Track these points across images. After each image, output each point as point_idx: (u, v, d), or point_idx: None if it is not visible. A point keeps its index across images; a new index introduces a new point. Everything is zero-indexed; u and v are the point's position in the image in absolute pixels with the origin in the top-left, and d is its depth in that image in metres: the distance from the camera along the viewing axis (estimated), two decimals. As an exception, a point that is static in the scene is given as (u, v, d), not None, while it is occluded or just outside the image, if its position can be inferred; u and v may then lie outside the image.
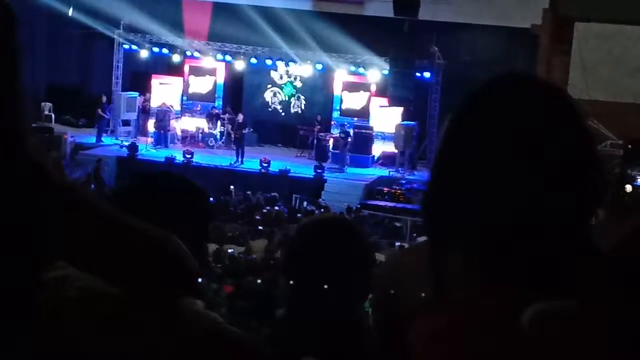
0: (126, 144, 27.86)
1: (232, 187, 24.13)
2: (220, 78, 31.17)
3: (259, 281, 13.56)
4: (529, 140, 1.42)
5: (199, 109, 30.68)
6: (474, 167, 1.44)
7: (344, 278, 2.59)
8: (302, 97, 30.76)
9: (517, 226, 1.40)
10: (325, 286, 2.58)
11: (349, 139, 27.44)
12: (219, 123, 29.46)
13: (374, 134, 28.19)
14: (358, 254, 2.66)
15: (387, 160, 27.89)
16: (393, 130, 27.45)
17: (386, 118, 28.32)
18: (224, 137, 29.21)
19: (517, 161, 1.41)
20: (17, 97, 1.62)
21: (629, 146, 20.11)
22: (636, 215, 1.45)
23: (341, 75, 29.54)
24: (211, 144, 29.14)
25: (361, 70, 28.98)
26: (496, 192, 1.41)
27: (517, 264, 1.40)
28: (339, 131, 28.04)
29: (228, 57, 30.16)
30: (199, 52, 30.31)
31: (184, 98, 31.02)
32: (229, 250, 16.36)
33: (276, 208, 22.43)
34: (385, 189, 25.22)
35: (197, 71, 31.07)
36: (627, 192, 18.07)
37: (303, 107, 30.71)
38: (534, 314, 1.36)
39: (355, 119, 29.26)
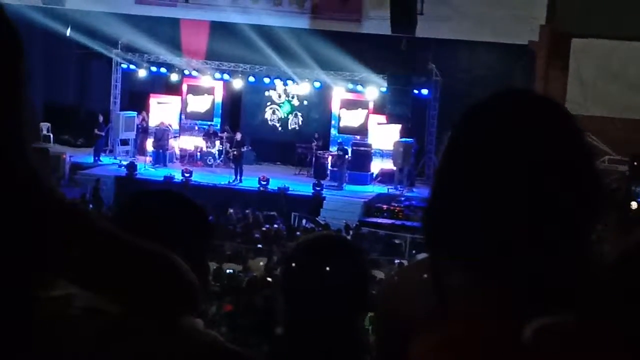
0: (125, 163, 27.88)
1: (230, 210, 24.07)
2: (219, 97, 31.20)
3: (258, 299, 13.54)
4: (528, 156, 1.42)
5: (196, 129, 30.73)
6: (473, 184, 1.44)
7: (342, 295, 2.59)
8: (299, 114, 30.79)
9: (517, 242, 1.40)
10: (324, 303, 2.58)
11: (347, 157, 27.45)
12: (217, 142, 29.47)
13: (372, 151, 28.19)
14: (356, 272, 2.65)
15: (385, 177, 27.88)
16: (391, 148, 27.45)
17: (384, 135, 28.33)
18: (222, 156, 29.21)
19: (517, 177, 1.42)
20: (21, 118, 1.64)
21: (635, 163, 20.09)
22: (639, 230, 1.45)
23: (339, 93, 29.57)
24: (210, 163, 29.14)
25: (359, 87, 29.02)
26: (496, 209, 1.42)
27: (518, 279, 1.40)
28: (337, 149, 28.06)
29: (226, 76, 30.21)
30: (197, 71, 30.36)
31: (182, 117, 31.04)
32: (228, 270, 16.35)
33: (275, 226, 22.43)
34: (384, 206, 25.21)
35: (195, 90, 31.10)
36: (632, 209, 18.03)
37: (300, 124, 30.73)
38: (535, 330, 1.36)
39: (354, 136, 29.26)
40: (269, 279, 15.45)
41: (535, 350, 1.35)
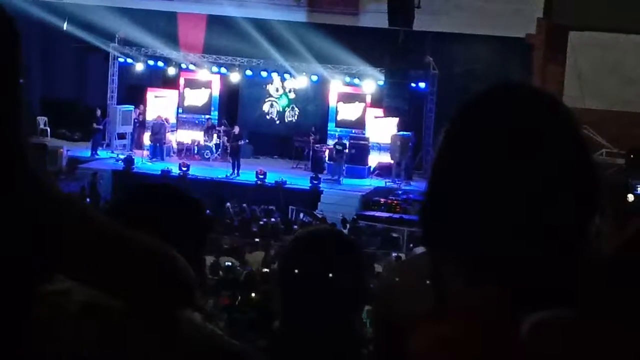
0: (122, 157, 27.87)
1: (228, 204, 24.06)
2: (216, 90, 31.18)
3: (254, 293, 13.56)
4: (524, 149, 1.42)
5: (192, 117, 30.73)
6: (470, 178, 1.44)
7: (338, 289, 2.59)
8: (296, 107, 30.78)
9: (515, 236, 1.40)
10: (321, 297, 2.58)
11: (345, 151, 27.44)
12: (214, 135, 29.46)
13: (369, 144, 28.19)
14: (352, 265, 2.65)
15: (383, 171, 27.89)
16: (389, 141, 27.44)
17: (382, 129, 28.32)
18: (219, 149, 29.21)
19: (514, 171, 1.41)
20: (18, 111, 1.64)
21: (631, 156, 20.13)
22: (636, 223, 1.45)
23: (336, 87, 29.56)
24: (207, 157, 29.14)
25: (356, 81, 28.99)
26: (493, 202, 1.41)
27: (516, 273, 1.40)
28: (334, 142, 28.06)
29: (223, 70, 30.18)
30: (194, 64, 30.33)
31: (180, 111, 31.03)
32: (226, 263, 16.36)
33: (272, 220, 22.43)
34: (382, 199, 25.22)
35: (192, 84, 31.07)
36: (629, 202, 18.05)
37: (297, 117, 30.71)
38: (534, 324, 1.36)
39: (352, 130, 29.26)
40: (266, 270, 15.48)
41: (534, 346, 1.35)
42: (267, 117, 31.03)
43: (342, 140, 27.85)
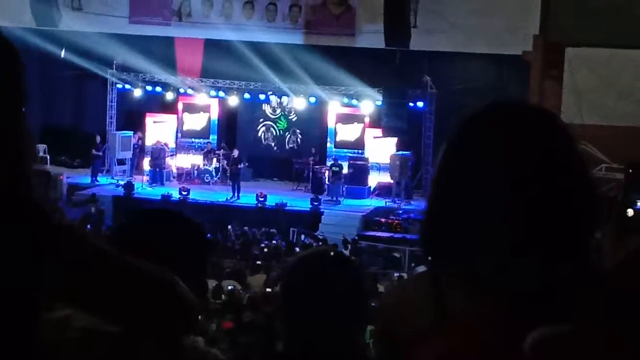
0: (122, 182, 27.89)
1: (229, 227, 24.05)
2: (214, 114, 31.23)
3: (258, 316, 13.52)
4: (523, 167, 1.43)
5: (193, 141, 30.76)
6: (469, 196, 1.45)
7: (340, 310, 2.59)
8: (297, 130, 30.80)
9: (514, 252, 1.40)
10: (323, 318, 2.57)
11: (342, 172, 27.44)
12: (214, 159, 29.48)
13: (369, 165, 28.21)
14: (354, 286, 2.65)
15: (383, 190, 27.88)
16: (388, 161, 27.47)
17: (381, 149, 28.35)
18: (219, 173, 29.22)
19: (513, 188, 1.42)
20: (22, 139, 1.65)
21: (630, 170, 20.10)
22: (636, 238, 1.45)
23: (335, 108, 29.59)
24: (207, 180, 29.15)
25: (354, 102, 29.04)
26: (492, 218, 1.42)
27: (516, 289, 1.40)
28: (330, 164, 28.06)
29: (221, 93, 30.23)
30: (192, 89, 30.37)
31: (179, 135, 31.06)
32: (229, 287, 16.32)
33: (274, 242, 22.41)
34: (382, 219, 25.22)
35: (191, 108, 31.12)
36: (628, 217, 18.01)
37: (299, 142, 30.74)
38: (536, 340, 1.36)
39: (352, 150, 29.28)
40: (269, 292, 15.44)
41: (535, 359, 1.35)
42: (266, 139, 31.06)
43: (337, 162, 27.85)
